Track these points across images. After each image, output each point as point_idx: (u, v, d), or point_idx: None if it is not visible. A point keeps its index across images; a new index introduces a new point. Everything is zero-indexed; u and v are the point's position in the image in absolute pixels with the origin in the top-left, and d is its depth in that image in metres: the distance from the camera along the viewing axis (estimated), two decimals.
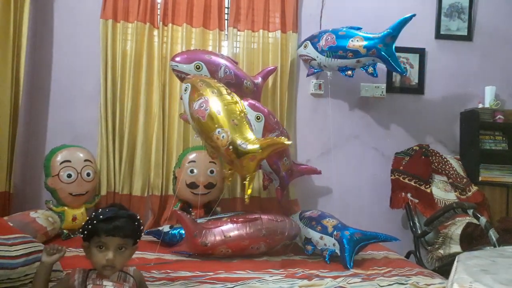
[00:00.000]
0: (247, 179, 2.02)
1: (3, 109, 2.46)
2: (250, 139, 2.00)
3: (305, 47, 2.77)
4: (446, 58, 3.12)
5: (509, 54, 3.18)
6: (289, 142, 2.10)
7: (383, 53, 2.53)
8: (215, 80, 2.26)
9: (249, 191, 2.03)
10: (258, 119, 2.33)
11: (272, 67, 2.78)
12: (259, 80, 2.67)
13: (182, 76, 2.40)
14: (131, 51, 2.74)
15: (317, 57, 2.69)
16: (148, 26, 2.75)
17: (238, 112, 2.06)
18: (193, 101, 2.09)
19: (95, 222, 1.25)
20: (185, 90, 2.17)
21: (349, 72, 2.68)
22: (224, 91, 2.11)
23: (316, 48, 2.70)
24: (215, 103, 2.03)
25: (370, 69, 2.65)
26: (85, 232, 1.26)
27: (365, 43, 2.55)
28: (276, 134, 2.39)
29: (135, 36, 2.74)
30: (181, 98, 2.31)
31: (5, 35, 2.47)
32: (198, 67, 2.37)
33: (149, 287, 1.69)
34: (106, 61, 2.71)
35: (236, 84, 2.43)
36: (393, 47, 2.56)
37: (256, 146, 1.96)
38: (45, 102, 2.78)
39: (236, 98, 2.12)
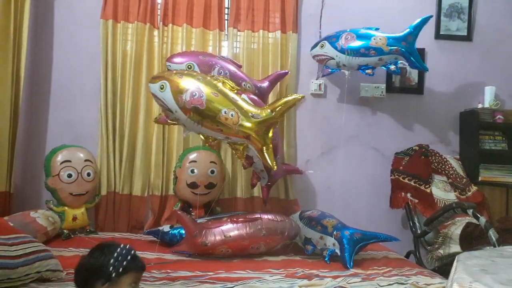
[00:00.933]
0: (265, 149, 2.05)
1: (4, 109, 2.47)
2: (258, 109, 2.05)
3: (321, 46, 2.73)
4: (446, 58, 3.13)
5: (509, 54, 3.18)
6: (302, 95, 2.14)
7: (406, 50, 2.61)
8: (189, 71, 2.27)
9: (272, 160, 2.07)
10: None
11: (283, 71, 2.73)
12: (265, 84, 2.61)
13: None
14: (131, 51, 2.74)
15: (336, 56, 2.67)
16: (148, 26, 2.75)
17: (231, 90, 2.09)
18: (180, 94, 2.03)
19: (129, 259, 1.25)
20: (162, 88, 2.08)
21: (369, 70, 2.68)
22: (206, 76, 2.12)
23: (335, 47, 2.67)
24: (207, 88, 2.02)
25: (393, 67, 2.69)
26: (123, 269, 1.24)
27: (388, 41, 2.60)
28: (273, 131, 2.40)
29: (135, 36, 2.74)
30: None
31: (6, 35, 2.47)
32: (189, 66, 2.36)
33: (149, 287, 1.70)
34: (106, 61, 2.72)
35: None
36: (415, 45, 2.64)
37: (268, 111, 2.02)
38: (45, 102, 2.78)
39: (222, 78, 2.14)
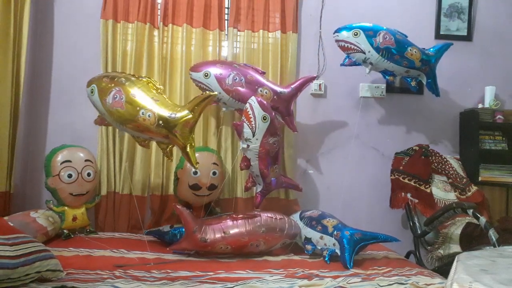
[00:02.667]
0: (188, 148, 2.05)
1: (4, 109, 2.47)
2: (177, 108, 2.05)
3: (355, 35, 2.53)
4: (446, 58, 3.10)
5: (509, 54, 3.18)
6: (215, 93, 2.20)
7: (433, 72, 2.68)
8: (119, 72, 2.33)
9: (194, 159, 2.08)
10: (264, 119, 2.33)
11: (310, 76, 2.67)
12: (288, 89, 2.58)
13: (199, 85, 2.53)
14: (131, 51, 2.74)
15: (369, 52, 2.51)
16: (148, 26, 2.75)
17: (154, 90, 2.11)
18: (104, 97, 2.11)
19: None
20: (92, 92, 2.19)
21: (392, 77, 2.65)
22: (131, 77, 2.16)
23: (371, 43, 2.51)
24: (128, 89, 2.07)
25: (414, 82, 2.70)
26: None
27: (422, 57, 2.60)
28: (276, 139, 2.39)
29: (136, 36, 2.74)
30: None
31: (6, 36, 2.48)
32: (206, 74, 2.48)
33: (149, 287, 1.70)
34: (106, 61, 2.72)
35: (247, 91, 2.45)
36: (436, 68, 2.73)
37: (185, 111, 2.03)
38: (45, 102, 2.78)
39: (147, 78, 2.18)
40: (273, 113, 2.41)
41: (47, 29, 2.79)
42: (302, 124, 3.00)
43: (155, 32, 2.79)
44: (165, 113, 2.03)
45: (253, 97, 2.37)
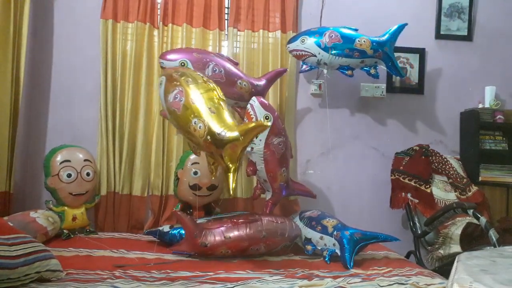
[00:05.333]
0: (231, 171, 1.86)
1: (3, 109, 2.47)
2: (229, 126, 1.83)
3: (302, 41, 2.62)
4: (446, 58, 3.13)
5: (509, 54, 3.18)
6: (269, 124, 2.02)
7: (387, 56, 2.64)
8: (193, 69, 2.15)
9: (232, 185, 1.87)
10: (267, 118, 2.28)
11: (281, 69, 2.71)
12: (263, 82, 2.57)
13: None
14: (131, 51, 2.74)
15: (319, 53, 2.59)
16: (148, 26, 2.75)
17: (215, 99, 1.91)
18: (168, 93, 1.97)
19: None
20: (160, 84, 2.07)
21: (350, 71, 2.67)
22: (199, 79, 1.99)
23: (318, 45, 2.59)
24: (190, 92, 1.91)
25: (373, 70, 2.70)
26: None
27: (372, 44, 2.60)
28: (281, 140, 2.33)
29: (135, 36, 2.74)
30: None
31: (5, 35, 2.48)
32: (183, 64, 2.28)
33: (149, 287, 1.70)
34: (106, 61, 2.72)
35: (227, 83, 2.36)
36: (393, 51, 2.68)
37: (236, 133, 1.79)
38: (45, 102, 2.78)
39: (213, 85, 1.99)
40: (276, 113, 2.36)
41: (47, 29, 2.79)
42: (302, 124, 3.00)
43: (155, 32, 2.79)
44: (216, 128, 1.81)
45: (254, 97, 2.33)
